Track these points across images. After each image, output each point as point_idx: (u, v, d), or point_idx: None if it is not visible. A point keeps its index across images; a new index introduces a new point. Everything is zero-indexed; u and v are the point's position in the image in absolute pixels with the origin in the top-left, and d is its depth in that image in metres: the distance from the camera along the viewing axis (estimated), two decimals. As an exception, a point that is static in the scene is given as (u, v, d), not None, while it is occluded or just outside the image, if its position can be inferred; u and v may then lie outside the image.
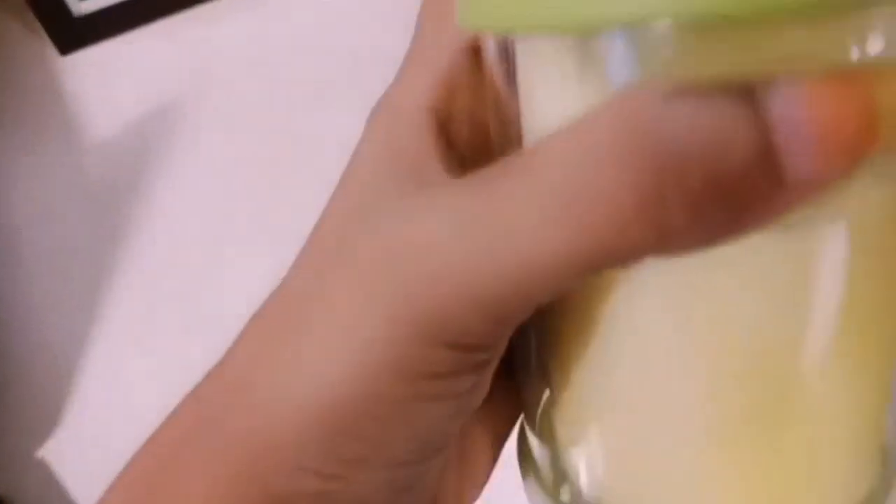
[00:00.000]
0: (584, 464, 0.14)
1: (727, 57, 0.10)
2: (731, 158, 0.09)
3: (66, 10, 0.56)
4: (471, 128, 0.15)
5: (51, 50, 0.58)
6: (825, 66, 0.10)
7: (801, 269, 0.10)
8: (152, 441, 0.18)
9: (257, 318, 0.17)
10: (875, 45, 0.10)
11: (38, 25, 0.56)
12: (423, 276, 0.12)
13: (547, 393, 0.15)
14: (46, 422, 0.47)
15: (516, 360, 0.16)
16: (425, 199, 0.13)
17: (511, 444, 0.18)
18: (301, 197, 0.54)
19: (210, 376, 0.18)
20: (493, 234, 0.11)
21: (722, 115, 0.09)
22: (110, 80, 0.60)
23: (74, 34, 0.57)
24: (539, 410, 0.15)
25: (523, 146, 0.13)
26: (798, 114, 0.09)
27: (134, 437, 0.48)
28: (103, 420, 0.47)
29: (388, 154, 0.15)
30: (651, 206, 0.10)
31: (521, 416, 0.17)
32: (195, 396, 0.17)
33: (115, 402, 0.48)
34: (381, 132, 0.16)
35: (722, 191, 0.10)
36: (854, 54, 0.10)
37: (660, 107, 0.10)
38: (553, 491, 0.15)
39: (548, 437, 0.15)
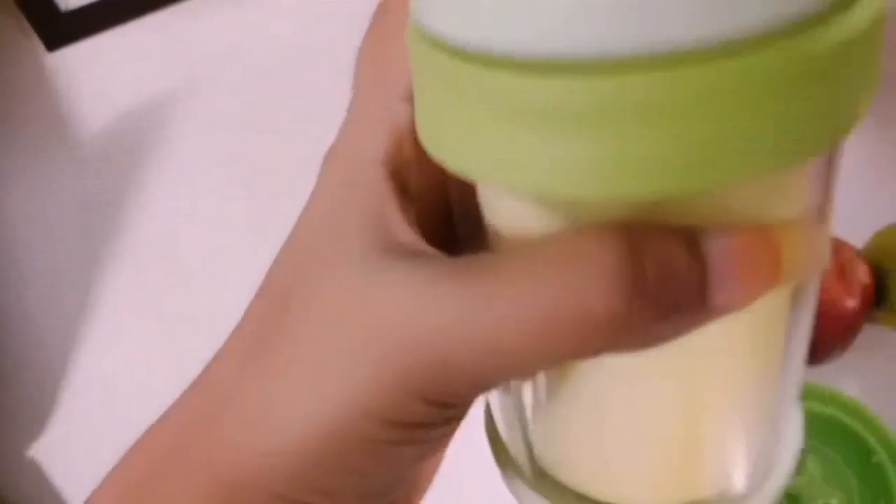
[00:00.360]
0: (545, 444, 0.18)
1: (650, 210, 0.12)
2: (685, 293, 0.12)
3: (53, 6, 0.55)
4: (419, 175, 0.16)
5: (38, 46, 0.58)
6: (735, 220, 0.12)
7: (692, 362, 0.14)
8: (119, 471, 0.18)
9: (226, 351, 0.17)
10: (770, 204, 0.13)
11: (25, 21, 0.56)
12: (408, 341, 0.14)
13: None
14: (37, 421, 0.47)
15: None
16: (406, 265, 0.14)
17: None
18: (293, 190, 0.54)
19: (184, 402, 0.18)
20: (479, 322, 0.13)
21: (678, 263, 0.12)
22: (98, 75, 0.60)
23: (62, 30, 0.57)
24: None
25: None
26: (726, 266, 0.12)
27: (124, 436, 0.48)
28: (94, 419, 0.47)
29: (351, 209, 0.16)
30: (620, 324, 0.12)
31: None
32: (168, 425, 0.18)
33: (105, 401, 0.48)
34: (337, 186, 0.17)
35: (672, 313, 0.13)
36: (760, 212, 0.13)
37: (631, 255, 0.12)
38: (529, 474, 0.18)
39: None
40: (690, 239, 0.12)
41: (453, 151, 0.13)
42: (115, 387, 0.48)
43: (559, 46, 0.11)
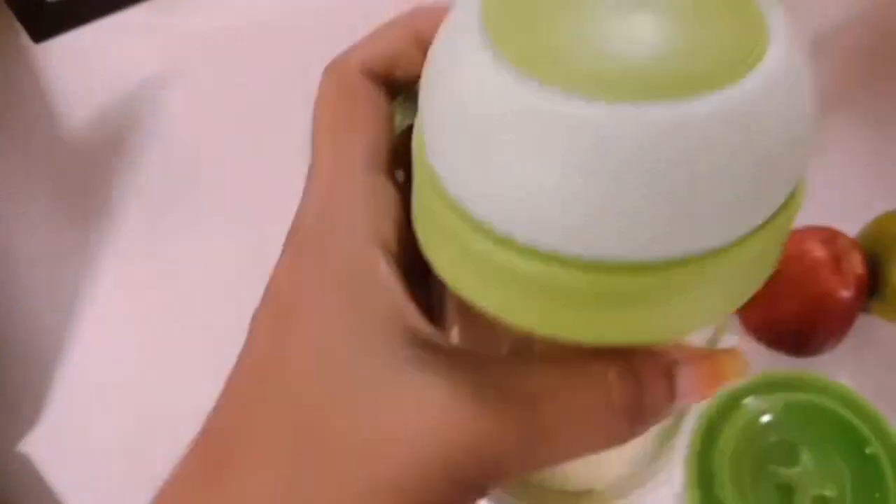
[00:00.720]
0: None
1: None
2: (664, 413, 0.17)
3: (38, -3, 0.55)
4: (402, 248, 0.18)
5: (24, 38, 0.57)
6: (684, 347, 0.18)
7: None
8: None
9: (193, 458, 0.18)
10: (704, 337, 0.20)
11: (9, 13, 0.55)
12: (432, 458, 0.16)
13: None
14: (28, 416, 0.47)
15: None
16: (428, 374, 0.16)
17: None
18: (277, 182, 0.53)
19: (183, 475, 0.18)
20: (512, 455, 0.16)
21: (663, 397, 0.17)
22: (85, 67, 0.59)
23: (47, 21, 0.56)
24: None
25: None
26: (690, 390, 0.17)
27: (115, 432, 0.47)
28: (85, 414, 0.47)
29: (365, 307, 0.17)
30: (619, 440, 0.17)
31: None
32: None
33: (96, 396, 0.47)
34: (335, 282, 0.17)
35: (651, 424, 0.17)
36: (705, 341, 0.20)
37: (636, 400, 0.17)
38: None
39: None
40: (667, 372, 0.17)
41: (453, 278, 0.16)
42: (107, 381, 0.47)
43: (564, 245, 0.14)
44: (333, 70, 0.19)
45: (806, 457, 0.38)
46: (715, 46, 0.13)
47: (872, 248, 0.45)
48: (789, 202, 0.16)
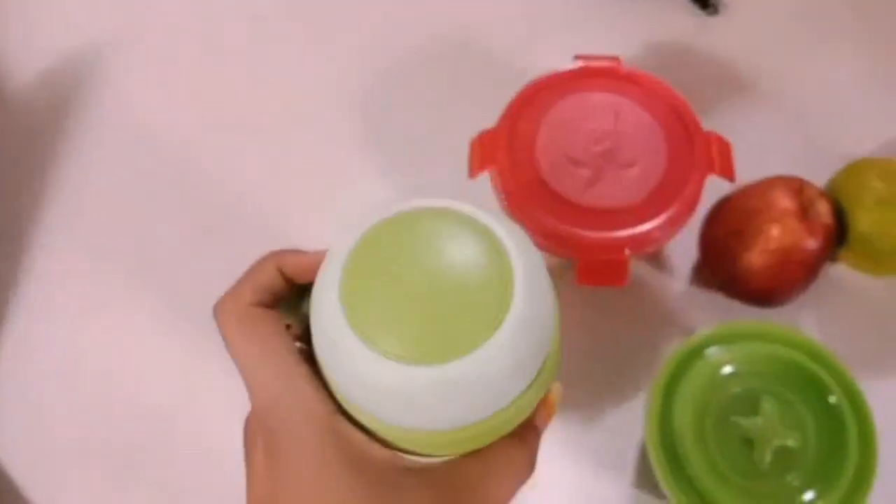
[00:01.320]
0: None
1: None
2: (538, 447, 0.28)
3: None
4: None
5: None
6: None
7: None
8: None
9: None
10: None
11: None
12: None
13: None
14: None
15: None
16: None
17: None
18: (232, 143, 0.52)
19: None
20: None
21: (530, 442, 0.27)
22: (29, 23, 0.57)
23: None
24: None
25: None
26: (541, 422, 0.28)
27: (80, 427, 0.46)
28: (50, 409, 0.45)
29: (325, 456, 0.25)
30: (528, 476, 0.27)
31: None
32: None
33: (61, 391, 0.46)
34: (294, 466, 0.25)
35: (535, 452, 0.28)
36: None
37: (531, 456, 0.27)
38: None
39: None
40: (534, 432, 0.28)
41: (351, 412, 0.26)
42: (71, 376, 0.46)
43: (397, 421, 0.24)
44: (225, 308, 0.27)
45: (769, 407, 0.38)
46: (470, 320, 0.23)
47: (840, 198, 0.44)
48: (544, 366, 0.25)
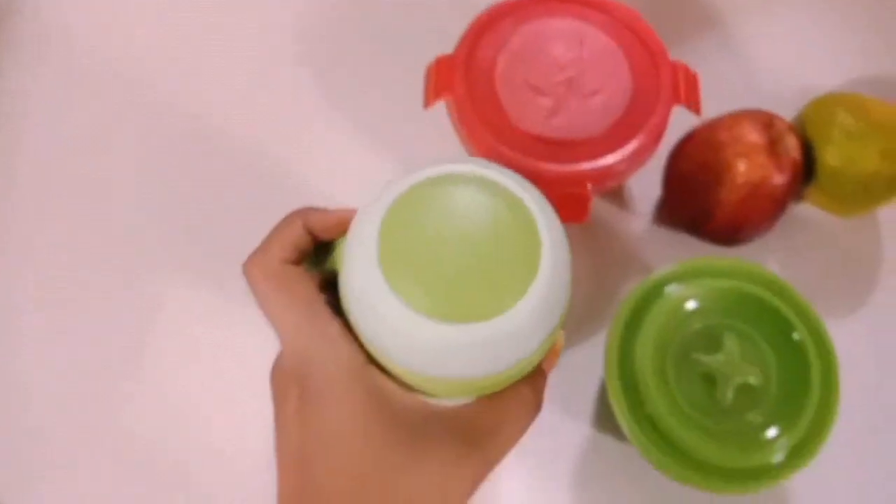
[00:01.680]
0: None
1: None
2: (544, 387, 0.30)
3: None
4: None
5: None
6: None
7: None
8: None
9: None
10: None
11: None
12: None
13: None
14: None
15: None
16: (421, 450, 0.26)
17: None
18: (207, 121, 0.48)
19: None
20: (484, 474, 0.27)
21: (539, 385, 0.29)
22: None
23: None
24: None
25: None
26: (547, 371, 0.30)
27: (35, 440, 0.42)
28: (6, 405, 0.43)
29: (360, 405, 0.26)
30: (537, 412, 0.29)
31: None
32: None
33: (9, 403, 0.43)
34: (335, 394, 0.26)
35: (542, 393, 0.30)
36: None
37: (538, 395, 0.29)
38: None
39: None
40: (542, 375, 0.29)
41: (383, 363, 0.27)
42: (25, 387, 0.43)
43: (421, 369, 0.26)
44: (255, 266, 0.28)
45: (731, 344, 0.37)
46: (503, 281, 0.25)
47: (808, 132, 0.43)
48: (559, 317, 0.27)
